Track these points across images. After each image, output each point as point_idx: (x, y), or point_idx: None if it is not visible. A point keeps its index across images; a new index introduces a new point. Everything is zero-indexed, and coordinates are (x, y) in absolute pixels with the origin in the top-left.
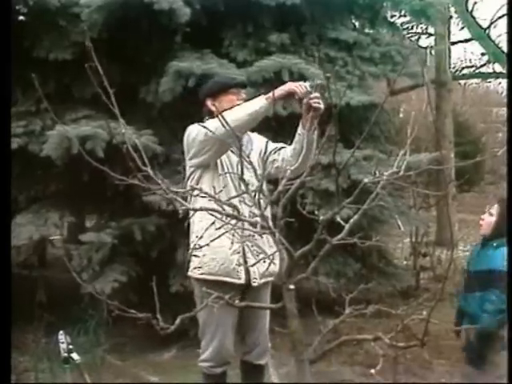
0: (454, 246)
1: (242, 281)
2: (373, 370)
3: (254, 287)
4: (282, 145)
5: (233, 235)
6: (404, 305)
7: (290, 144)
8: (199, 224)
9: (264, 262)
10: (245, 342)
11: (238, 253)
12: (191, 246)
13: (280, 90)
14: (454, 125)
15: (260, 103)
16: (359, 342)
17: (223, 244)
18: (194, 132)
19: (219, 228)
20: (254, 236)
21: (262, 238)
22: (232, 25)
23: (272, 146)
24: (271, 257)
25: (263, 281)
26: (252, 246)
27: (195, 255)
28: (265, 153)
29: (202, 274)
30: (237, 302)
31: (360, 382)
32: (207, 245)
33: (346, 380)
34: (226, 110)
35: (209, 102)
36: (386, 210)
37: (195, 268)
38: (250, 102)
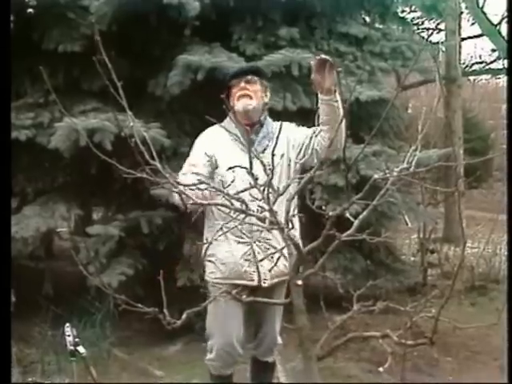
0: (464, 243)
1: (255, 282)
2: (381, 368)
3: (266, 287)
4: (313, 129)
5: (241, 238)
6: (411, 301)
7: None
8: (209, 231)
9: (272, 260)
10: (256, 337)
11: (249, 255)
12: (203, 252)
13: None
14: (463, 121)
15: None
16: (366, 338)
17: (232, 248)
18: (194, 145)
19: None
20: (263, 236)
21: (271, 235)
22: (241, 19)
23: (304, 133)
24: (281, 255)
25: (275, 280)
26: (262, 245)
27: (209, 261)
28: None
29: (216, 278)
30: (244, 297)
31: (368, 383)
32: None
33: (351, 376)
34: (232, 102)
35: (224, 96)
36: (395, 206)
37: (210, 273)
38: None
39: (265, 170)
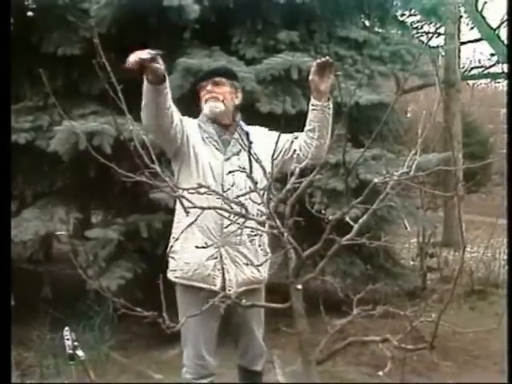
0: (464, 247)
1: (217, 288)
2: (381, 373)
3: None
4: (293, 135)
5: (209, 239)
6: (411, 305)
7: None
8: (176, 227)
9: (240, 267)
10: (237, 346)
11: (215, 258)
12: (168, 248)
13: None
14: (462, 125)
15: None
16: (366, 342)
17: (198, 248)
18: None
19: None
20: (233, 241)
21: (246, 244)
22: (241, 22)
23: (284, 137)
24: (253, 264)
25: (242, 289)
26: (230, 250)
27: (172, 257)
28: (274, 150)
29: (176, 277)
30: (244, 301)
31: (367, 383)
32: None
33: (351, 379)
34: (201, 105)
35: (198, 100)
36: (394, 210)
37: (171, 271)
38: None
39: (267, 173)
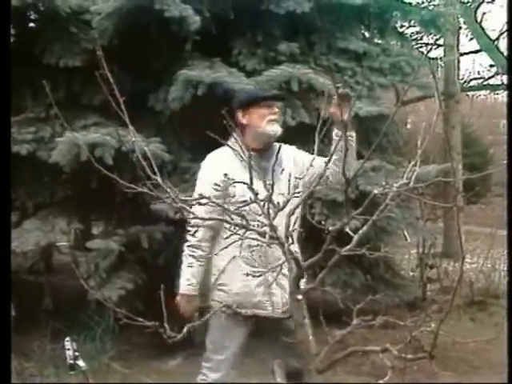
0: (463, 258)
1: (270, 312)
2: (381, 381)
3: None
4: (323, 160)
5: (255, 267)
6: (411, 316)
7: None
8: (220, 259)
9: (284, 288)
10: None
11: (262, 284)
12: (213, 280)
13: None
14: (461, 136)
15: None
16: (366, 352)
17: (245, 278)
18: (200, 172)
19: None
20: (276, 264)
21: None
22: (241, 33)
23: (318, 162)
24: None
25: (286, 308)
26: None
27: (221, 290)
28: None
29: (227, 307)
30: (243, 311)
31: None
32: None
33: None
34: (255, 123)
35: (239, 115)
36: (394, 221)
37: (220, 302)
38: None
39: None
